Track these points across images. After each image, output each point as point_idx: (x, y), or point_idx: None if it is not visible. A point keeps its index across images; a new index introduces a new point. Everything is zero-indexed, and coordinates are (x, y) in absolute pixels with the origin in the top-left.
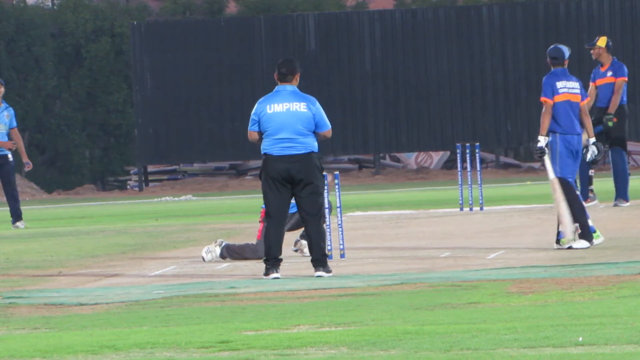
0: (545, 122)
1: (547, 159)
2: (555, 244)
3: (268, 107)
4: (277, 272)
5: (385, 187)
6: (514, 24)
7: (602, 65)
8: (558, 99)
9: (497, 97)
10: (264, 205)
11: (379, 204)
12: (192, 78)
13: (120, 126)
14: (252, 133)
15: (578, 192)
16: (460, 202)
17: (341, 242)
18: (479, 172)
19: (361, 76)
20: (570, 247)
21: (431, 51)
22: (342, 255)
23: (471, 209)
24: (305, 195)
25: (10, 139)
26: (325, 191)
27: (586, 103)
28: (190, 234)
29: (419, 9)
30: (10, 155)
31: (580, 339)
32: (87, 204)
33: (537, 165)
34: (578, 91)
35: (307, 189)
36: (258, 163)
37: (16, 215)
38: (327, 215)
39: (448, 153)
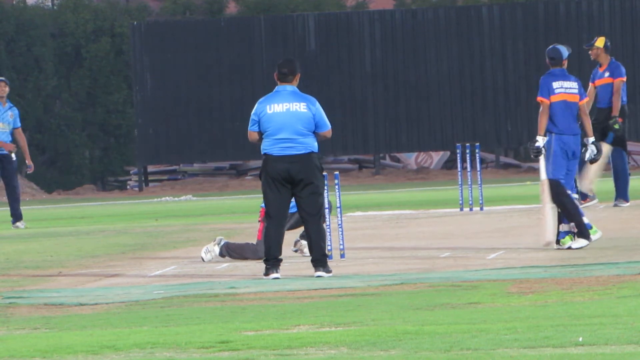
0: (543, 122)
1: (542, 159)
2: (555, 244)
3: (268, 107)
4: (277, 272)
5: (385, 187)
6: (514, 24)
7: (600, 66)
8: (554, 99)
9: (497, 97)
10: (263, 205)
11: (379, 204)
12: (192, 78)
13: (120, 126)
14: (252, 133)
15: (569, 192)
16: (460, 202)
17: (341, 242)
18: (479, 172)
19: (361, 76)
20: (570, 247)
21: (431, 51)
22: (342, 255)
23: (471, 209)
24: (305, 195)
25: (13, 138)
26: (326, 191)
27: (585, 103)
28: (190, 234)
29: (419, 9)
30: (13, 155)
31: (580, 339)
32: (87, 204)
33: (537, 165)
34: (576, 91)
35: (307, 189)
36: (258, 163)
37: (16, 216)
38: (327, 215)
39: (448, 153)
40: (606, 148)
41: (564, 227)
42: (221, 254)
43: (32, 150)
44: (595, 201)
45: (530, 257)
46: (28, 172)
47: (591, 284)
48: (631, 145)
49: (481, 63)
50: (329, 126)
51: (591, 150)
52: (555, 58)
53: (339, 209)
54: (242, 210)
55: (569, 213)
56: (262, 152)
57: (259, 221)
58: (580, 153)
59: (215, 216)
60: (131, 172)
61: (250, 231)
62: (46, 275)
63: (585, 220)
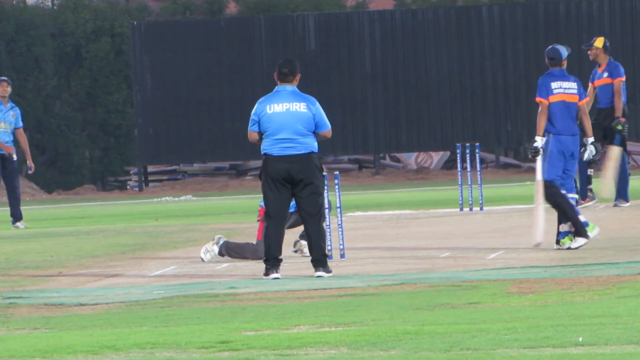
0: (542, 122)
1: (539, 160)
2: (555, 244)
3: (268, 107)
4: (277, 272)
5: (385, 187)
6: (514, 24)
7: (599, 66)
8: (553, 99)
9: (497, 97)
10: (262, 203)
11: (379, 204)
12: (192, 78)
13: (120, 126)
14: (252, 133)
15: (564, 191)
16: (460, 202)
17: (341, 242)
18: (478, 172)
19: (361, 76)
20: (569, 248)
21: (431, 51)
22: (342, 255)
23: (471, 209)
24: (305, 195)
25: (15, 138)
26: (326, 191)
27: (585, 103)
28: (190, 234)
29: (419, 9)
30: (14, 155)
31: (580, 339)
32: (87, 204)
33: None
34: (575, 91)
35: (307, 189)
36: (258, 163)
37: (16, 216)
38: (327, 215)
39: (448, 153)
40: (616, 150)
41: (564, 228)
42: (220, 253)
43: (32, 150)
44: (595, 201)
45: (530, 257)
46: (29, 172)
47: (591, 284)
48: (631, 145)
49: (481, 63)
50: (329, 126)
51: (590, 151)
52: (554, 58)
53: (339, 209)
54: (242, 210)
55: (565, 213)
56: (262, 152)
57: (258, 220)
58: (579, 153)
59: (215, 216)
60: (131, 172)
61: (250, 231)
62: (46, 275)
63: (582, 218)
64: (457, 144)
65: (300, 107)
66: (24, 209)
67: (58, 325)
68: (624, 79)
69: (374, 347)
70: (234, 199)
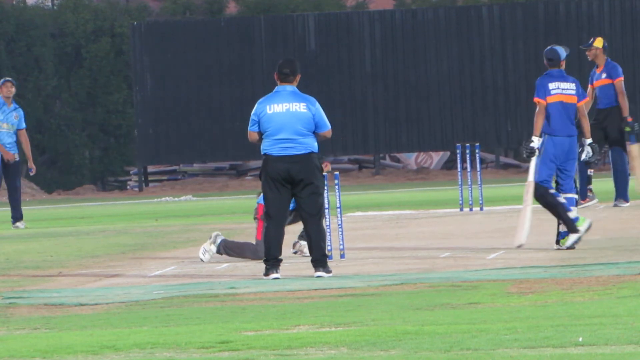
0: (539, 122)
1: (533, 161)
2: (555, 244)
3: (268, 107)
4: (277, 272)
5: (385, 187)
6: (514, 24)
7: (597, 67)
8: (550, 99)
9: (497, 97)
10: (259, 201)
11: (379, 204)
12: (192, 78)
13: (120, 126)
14: (252, 133)
15: (552, 190)
16: (460, 202)
17: (341, 242)
18: (478, 173)
19: (361, 76)
20: (569, 248)
21: (431, 51)
22: (342, 256)
23: (471, 209)
24: (306, 195)
25: (17, 139)
26: (326, 191)
27: (584, 104)
28: (190, 234)
29: (419, 9)
30: (16, 155)
31: (580, 339)
32: (87, 204)
33: None
34: (573, 92)
35: (307, 189)
36: (258, 163)
37: (16, 216)
38: (326, 215)
39: (448, 153)
40: (637, 148)
41: (564, 228)
42: (219, 252)
43: (32, 150)
44: (595, 201)
45: (530, 257)
46: (30, 174)
47: (591, 284)
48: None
49: (481, 63)
50: (329, 126)
51: (587, 152)
52: (553, 59)
53: (339, 209)
54: (242, 211)
55: (556, 211)
56: (262, 153)
57: (256, 218)
58: (578, 154)
59: (215, 216)
60: (131, 172)
61: (250, 231)
62: (46, 275)
63: (573, 214)
64: (457, 144)
65: (300, 107)
66: (24, 209)
67: (58, 325)
68: (622, 78)
69: (374, 347)
70: (234, 199)
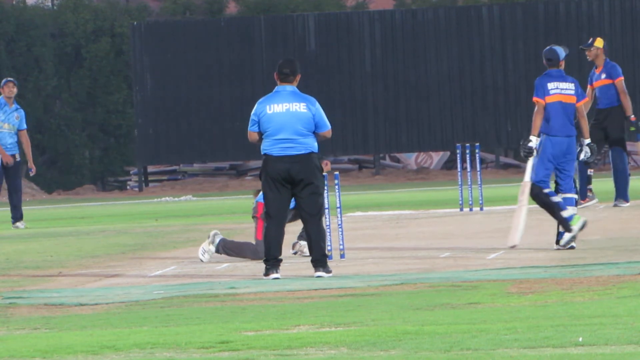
0: (537, 122)
1: (530, 161)
2: (555, 244)
3: (268, 107)
4: (277, 272)
5: (385, 187)
6: (514, 24)
7: (596, 68)
8: (549, 99)
9: (497, 97)
10: (258, 199)
11: (379, 204)
12: (192, 78)
13: (120, 126)
14: (252, 133)
15: (547, 190)
16: (460, 202)
17: (341, 242)
18: (478, 173)
19: (361, 76)
20: (570, 247)
21: (431, 51)
22: (342, 256)
23: (471, 209)
24: (306, 195)
25: (18, 140)
26: (325, 191)
27: (583, 104)
28: (190, 234)
29: (419, 9)
30: (17, 156)
31: (580, 339)
32: (87, 204)
33: None
34: (572, 92)
35: (307, 189)
36: (258, 163)
37: (16, 216)
38: (327, 215)
39: (448, 153)
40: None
41: None
42: (217, 251)
43: (32, 150)
44: (594, 201)
45: (530, 257)
46: (30, 174)
47: (591, 284)
48: (631, 146)
49: (481, 63)
50: (329, 126)
51: (585, 152)
52: (552, 59)
53: (339, 209)
54: (242, 211)
55: (552, 211)
56: (262, 153)
57: (256, 217)
58: (576, 154)
59: (215, 216)
60: (131, 172)
61: (250, 231)
62: (46, 275)
63: (567, 213)
64: (457, 144)
65: (300, 107)
66: (24, 208)
67: (58, 325)
68: (622, 77)
69: (374, 347)
70: (234, 199)
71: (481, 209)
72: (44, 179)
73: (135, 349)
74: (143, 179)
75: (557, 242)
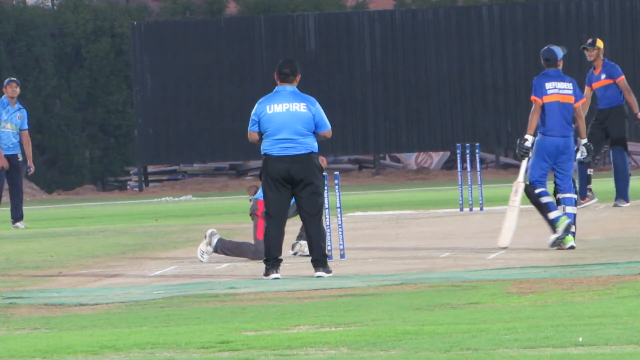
0: (533, 121)
1: (525, 162)
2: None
3: (268, 107)
4: (277, 272)
5: (385, 187)
6: (514, 24)
7: (595, 68)
8: (547, 99)
9: (497, 97)
10: (257, 197)
11: (379, 204)
12: (192, 78)
13: (120, 126)
14: (252, 133)
15: (537, 190)
16: (460, 202)
17: (341, 242)
18: (479, 173)
19: (361, 76)
20: (570, 247)
21: (431, 51)
22: (342, 256)
23: (471, 209)
24: (306, 195)
25: (20, 140)
26: (326, 191)
27: (581, 104)
28: (190, 234)
29: (419, 9)
30: (19, 156)
31: (580, 339)
32: (87, 204)
33: None
34: (570, 92)
35: (307, 189)
36: (258, 163)
37: (16, 216)
38: (326, 215)
39: (448, 153)
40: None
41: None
42: (215, 251)
43: (32, 150)
44: (594, 200)
45: (530, 257)
46: (28, 173)
47: (591, 284)
48: (631, 146)
49: (481, 63)
50: (329, 126)
51: (581, 151)
52: (550, 59)
53: (339, 209)
54: (242, 211)
55: (542, 211)
56: (262, 153)
57: (256, 215)
58: (573, 154)
59: (215, 216)
60: (131, 172)
61: (249, 231)
62: (46, 275)
63: (554, 215)
64: (457, 144)
65: (300, 107)
66: (24, 208)
67: (58, 325)
68: (624, 76)
69: (374, 347)
70: (234, 199)
71: (481, 209)
72: (44, 179)
73: (135, 349)
74: (143, 179)
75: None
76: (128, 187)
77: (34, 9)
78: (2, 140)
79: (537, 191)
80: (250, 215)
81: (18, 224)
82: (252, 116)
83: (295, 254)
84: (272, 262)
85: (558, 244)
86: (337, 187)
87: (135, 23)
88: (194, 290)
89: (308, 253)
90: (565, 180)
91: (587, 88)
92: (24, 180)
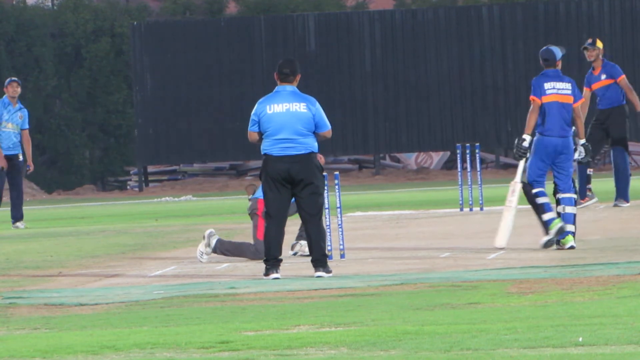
0: (531, 121)
1: (522, 162)
2: (555, 245)
3: (268, 107)
4: (277, 272)
5: (385, 187)
6: (514, 24)
7: (593, 69)
8: (545, 99)
9: (497, 97)
10: (257, 196)
11: (379, 204)
12: (192, 78)
13: (120, 126)
14: (252, 133)
15: (535, 191)
16: (460, 202)
17: (341, 242)
18: (479, 173)
19: (361, 76)
20: (570, 247)
21: (431, 51)
22: (342, 256)
23: (471, 209)
24: (306, 195)
25: (20, 140)
26: (326, 191)
27: (579, 105)
28: (190, 234)
29: (419, 9)
30: (20, 155)
31: (580, 339)
32: (87, 204)
33: None
34: (569, 92)
35: (307, 189)
36: (258, 163)
37: (16, 216)
38: (326, 215)
39: (448, 153)
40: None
41: (564, 228)
42: (214, 252)
43: (32, 150)
44: (594, 200)
45: (530, 257)
46: (27, 172)
47: (591, 284)
48: (631, 146)
49: (481, 63)
50: (329, 126)
51: (579, 151)
52: (548, 59)
53: (339, 209)
54: (242, 211)
55: (537, 211)
56: (262, 153)
57: (257, 214)
58: (572, 154)
59: (215, 216)
60: (131, 172)
61: (249, 232)
62: (46, 275)
63: (549, 216)
64: (457, 144)
65: (300, 107)
66: (24, 208)
67: (58, 325)
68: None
69: (374, 347)
70: (234, 199)
71: (481, 209)
72: (44, 179)
73: (135, 349)
74: (143, 179)
75: (557, 242)
76: (128, 187)
77: (34, 9)
78: (3, 140)
79: (534, 191)
80: (249, 214)
81: (18, 224)
82: (252, 116)
83: (295, 254)
84: (272, 262)
85: (549, 245)
86: (337, 187)
87: (135, 23)
88: (194, 290)
89: (308, 253)
90: (564, 180)
91: (585, 89)
92: (25, 179)
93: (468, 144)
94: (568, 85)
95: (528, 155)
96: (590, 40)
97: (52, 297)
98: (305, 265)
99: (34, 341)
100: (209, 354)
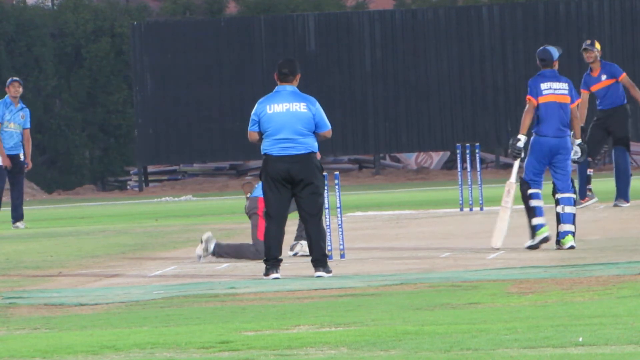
0: (527, 120)
1: (517, 163)
2: (555, 244)
3: (268, 107)
4: (277, 272)
5: (385, 187)
6: (514, 24)
7: (592, 70)
8: (542, 100)
9: (497, 97)
10: (257, 195)
11: (379, 204)
12: (192, 78)
13: (120, 126)
14: (252, 133)
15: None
16: (460, 202)
17: (341, 242)
18: (479, 173)
19: (361, 76)
20: (570, 247)
21: (431, 51)
22: (342, 255)
23: (471, 209)
24: (306, 195)
25: (22, 139)
26: (326, 191)
27: (576, 105)
28: (190, 234)
29: (419, 9)
30: (21, 155)
31: (580, 339)
32: (87, 204)
33: None
34: (566, 92)
35: (307, 189)
36: (258, 163)
37: (17, 216)
38: (326, 215)
39: (448, 153)
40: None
41: (564, 227)
42: (213, 253)
43: (32, 151)
44: (594, 200)
45: (530, 257)
46: (25, 170)
47: (591, 284)
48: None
49: (481, 63)
50: (329, 126)
51: (575, 151)
52: (545, 59)
53: (339, 209)
54: (242, 211)
55: (527, 213)
56: (262, 152)
57: (257, 214)
58: (569, 154)
59: (215, 216)
60: (131, 172)
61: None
62: (46, 275)
63: (538, 221)
64: (457, 144)
65: (300, 107)
66: (24, 208)
67: (58, 325)
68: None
69: (374, 347)
70: (234, 199)
71: (481, 209)
72: (44, 179)
73: (135, 349)
74: (143, 179)
75: (557, 242)
76: (128, 187)
77: (34, 9)
78: (5, 140)
79: (529, 192)
80: (247, 214)
81: (18, 224)
82: (252, 116)
83: (295, 254)
84: (272, 262)
85: (532, 249)
86: (337, 187)
87: (135, 23)
88: (194, 290)
89: (308, 253)
90: (563, 180)
91: (583, 91)
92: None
93: (468, 144)
94: (565, 86)
95: (522, 155)
96: (589, 42)
97: (52, 297)
98: (305, 265)
99: (34, 341)
100: (209, 354)
